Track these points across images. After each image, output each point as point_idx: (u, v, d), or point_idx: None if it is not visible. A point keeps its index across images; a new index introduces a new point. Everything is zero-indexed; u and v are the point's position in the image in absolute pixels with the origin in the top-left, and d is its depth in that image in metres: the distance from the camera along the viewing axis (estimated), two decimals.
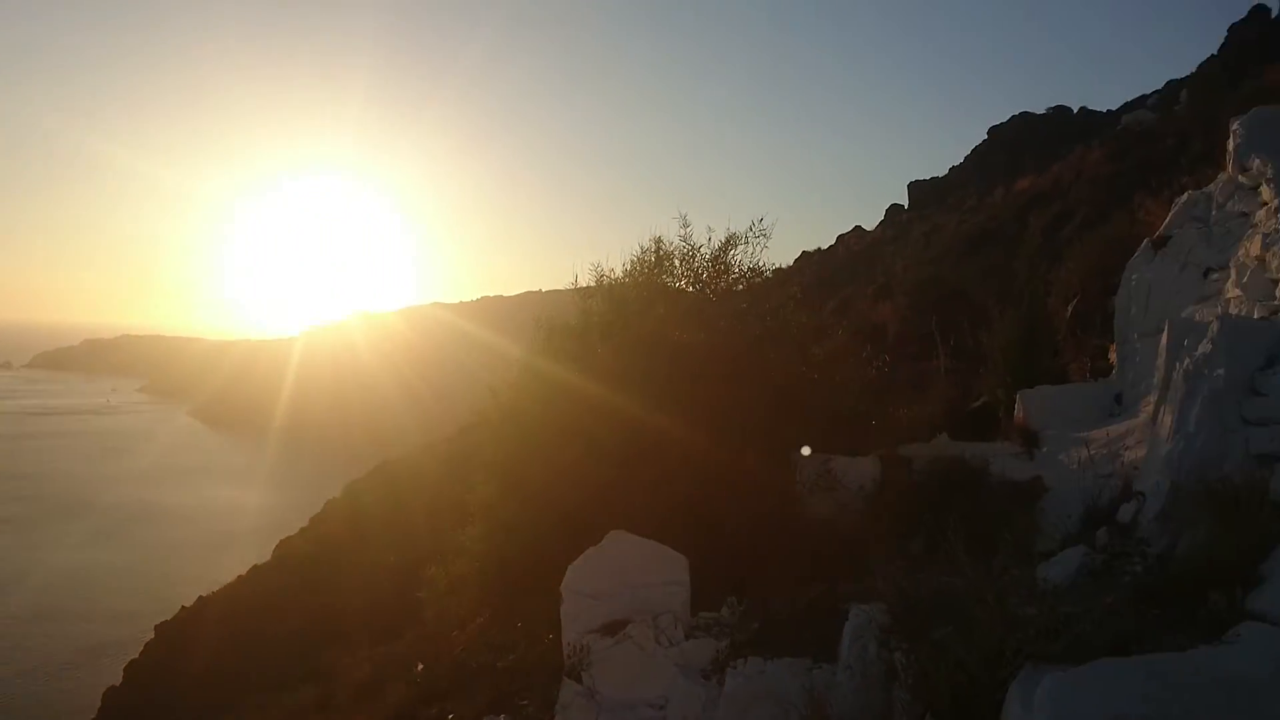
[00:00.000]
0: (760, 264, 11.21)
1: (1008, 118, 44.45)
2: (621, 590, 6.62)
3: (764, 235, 10.94)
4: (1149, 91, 35.42)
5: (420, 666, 10.96)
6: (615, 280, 11.11)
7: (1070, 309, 11.44)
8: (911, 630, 5.21)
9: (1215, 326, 5.90)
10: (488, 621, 10.47)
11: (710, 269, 11.35)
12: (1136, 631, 4.82)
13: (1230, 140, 7.98)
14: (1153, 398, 6.66)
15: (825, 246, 46.62)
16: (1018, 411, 9.74)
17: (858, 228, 48.37)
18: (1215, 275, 7.60)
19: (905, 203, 48.97)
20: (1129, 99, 38.16)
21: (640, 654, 6.38)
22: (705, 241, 11.10)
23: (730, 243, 11.23)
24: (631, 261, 11.21)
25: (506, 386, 10.93)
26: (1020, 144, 40.12)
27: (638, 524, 7.59)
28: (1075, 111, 40.92)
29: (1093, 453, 7.48)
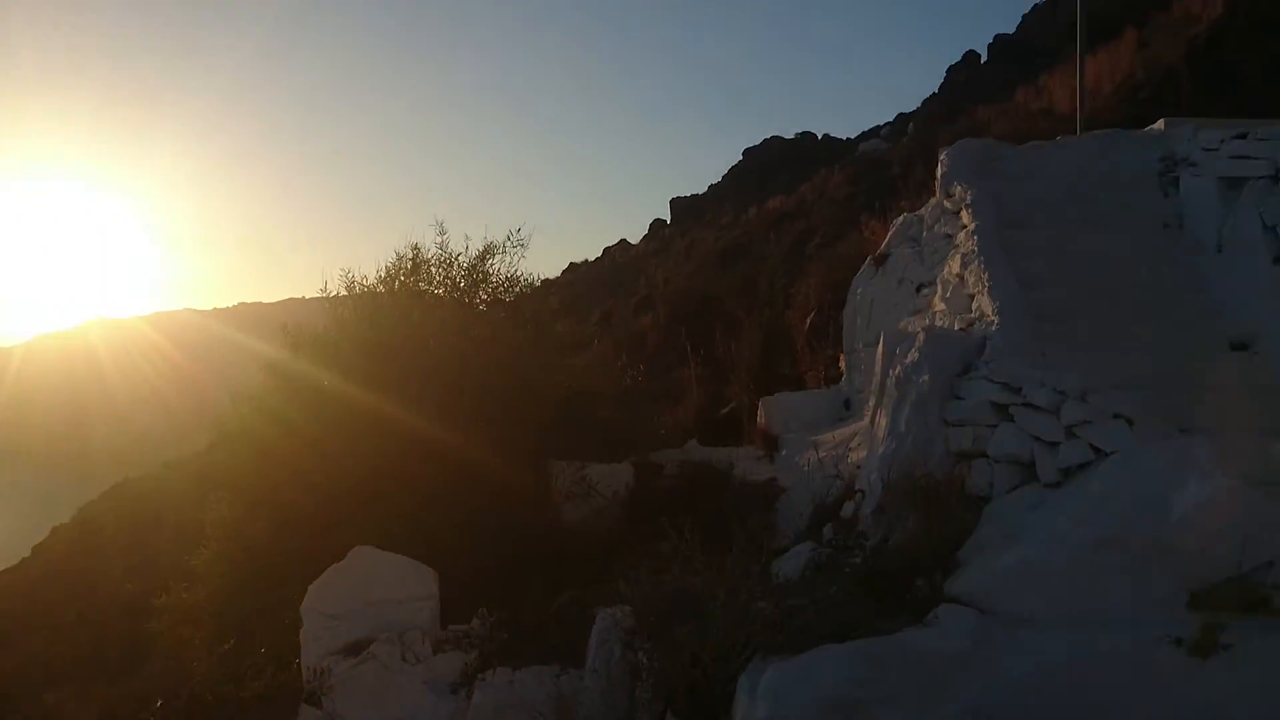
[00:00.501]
0: (519, 274, 11.22)
1: (760, 140, 47.09)
2: (365, 608, 6.38)
3: (521, 245, 10.96)
4: (883, 123, 38.66)
5: (160, 703, 10.09)
6: (368, 287, 10.74)
7: (809, 320, 12.26)
8: (654, 630, 5.35)
9: (920, 337, 6.50)
10: (231, 649, 9.81)
11: (468, 277, 11.22)
12: (854, 619, 5.18)
13: (939, 169, 8.83)
14: (873, 402, 7.23)
15: (593, 259, 47.39)
16: (760, 417, 10.31)
17: (623, 241, 49.53)
18: (926, 290, 8.38)
19: (668, 218, 50.71)
20: (865, 129, 41.48)
21: (385, 673, 6.17)
22: (463, 250, 10.98)
23: (488, 252, 11.16)
24: (387, 269, 10.90)
25: (248, 398, 10.29)
26: (772, 165, 42.61)
27: (387, 538, 7.36)
28: (820, 138, 43.97)
29: (823, 454, 8.03)
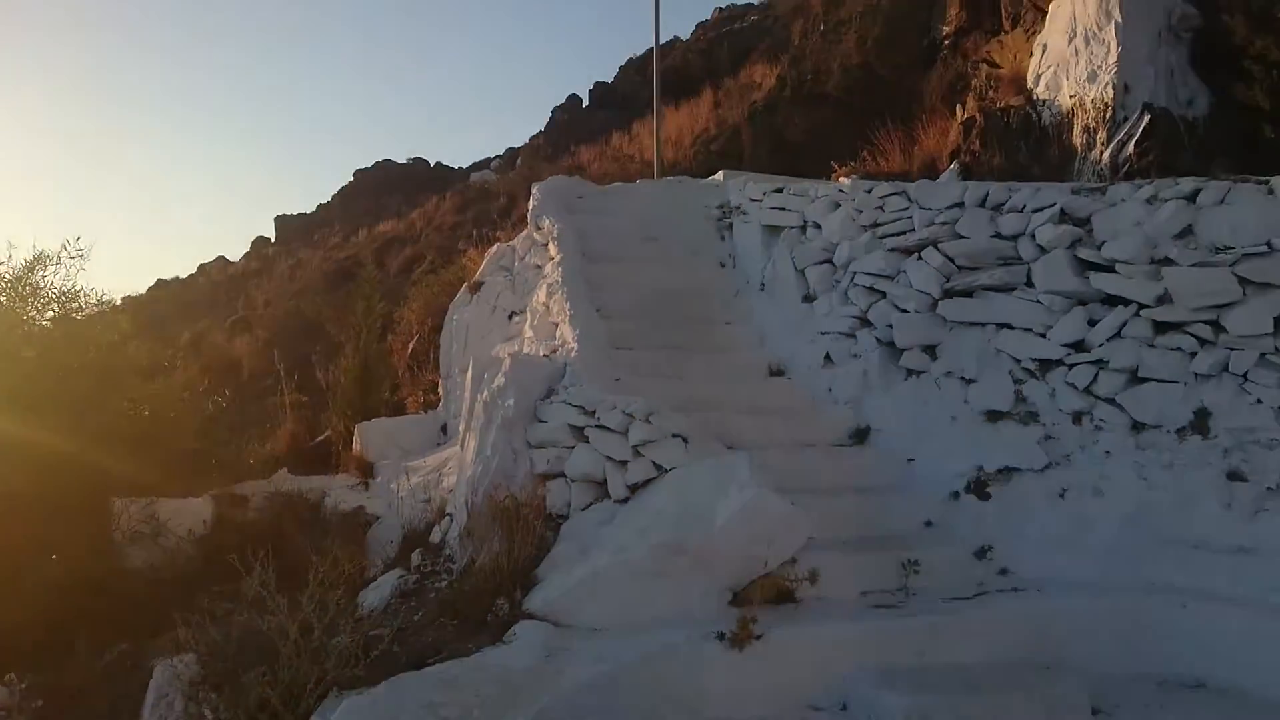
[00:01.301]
0: (78, 288, 9.90)
1: (373, 163, 46.12)
2: None
3: (80, 256, 9.70)
4: (494, 155, 39.62)
5: None
6: None
7: (410, 346, 12.20)
8: (221, 679, 4.96)
9: (507, 363, 6.72)
10: None
11: (12, 292, 9.71)
12: (437, 644, 5.18)
13: (531, 203, 9.24)
14: (463, 427, 7.33)
15: (185, 275, 43.32)
16: (356, 444, 10.04)
17: (221, 258, 45.87)
18: (517, 318, 8.70)
19: (272, 236, 47.84)
20: (478, 159, 42.26)
21: None
22: (5, 259, 9.48)
23: (38, 262, 9.75)
24: None
25: None
26: (383, 188, 41.87)
27: None
28: (433, 165, 44.02)
29: (416, 480, 8.00)
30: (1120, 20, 8.43)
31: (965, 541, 6.14)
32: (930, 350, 7.00)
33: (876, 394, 7.11)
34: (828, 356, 7.55)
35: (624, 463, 6.00)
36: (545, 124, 34.72)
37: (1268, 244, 5.67)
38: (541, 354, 7.35)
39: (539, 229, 8.79)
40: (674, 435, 5.95)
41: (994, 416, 6.58)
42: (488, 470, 6.41)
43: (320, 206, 47.00)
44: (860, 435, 7.06)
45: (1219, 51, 8.45)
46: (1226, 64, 8.37)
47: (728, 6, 32.19)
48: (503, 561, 5.64)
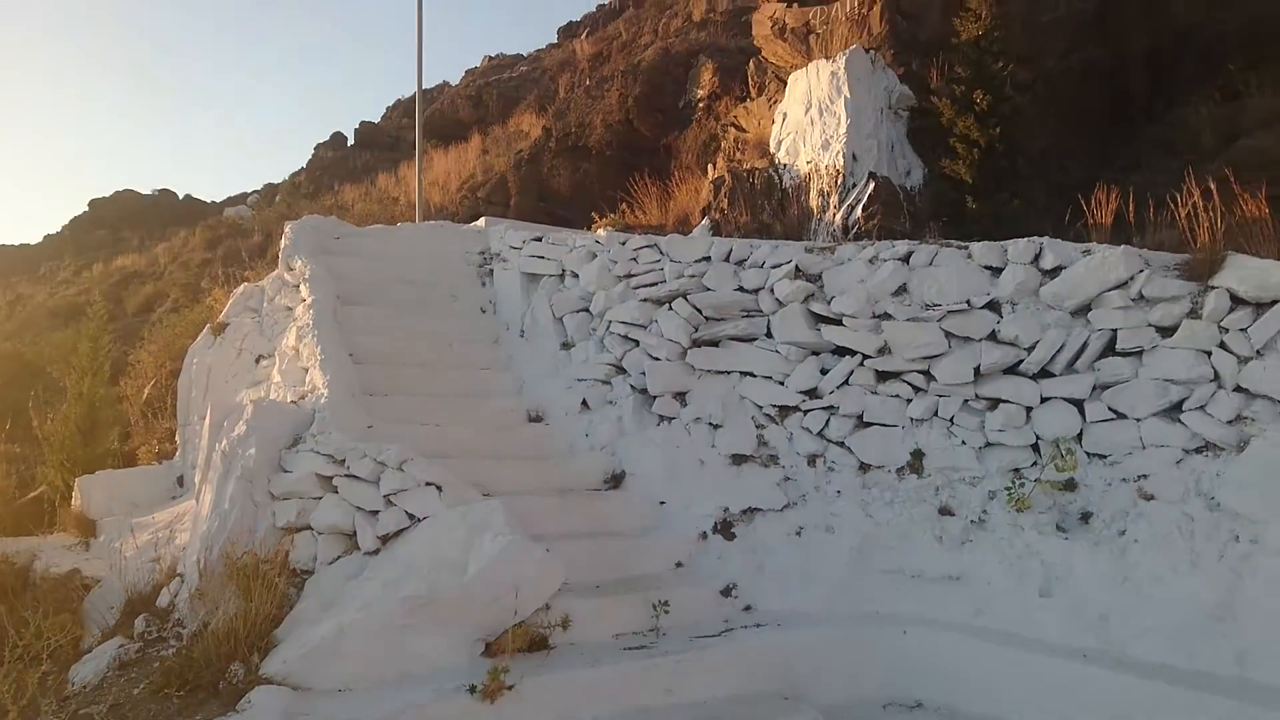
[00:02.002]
0: None
1: (112, 192, 42.57)
2: None
3: None
4: (251, 190, 37.65)
5: None
6: None
7: (146, 391, 11.25)
8: None
9: (249, 409, 6.36)
10: None
11: None
12: (158, 718, 4.77)
13: (283, 242, 8.84)
14: (199, 478, 6.84)
15: None
16: (75, 499, 9.10)
17: None
18: (265, 362, 8.26)
19: None
20: (234, 193, 40.00)
21: None
22: None
23: None
24: None
25: None
26: (124, 221, 38.69)
27: None
28: (181, 197, 41.21)
29: (145, 538, 7.35)
30: (849, 96, 9.28)
31: (713, 581, 6.39)
32: (681, 397, 7.29)
33: (631, 439, 7.31)
34: (585, 403, 7.69)
35: (375, 513, 5.82)
36: (308, 161, 33.47)
37: (967, 302, 6.38)
38: (290, 400, 7.01)
39: (290, 269, 8.42)
40: (428, 483, 5.84)
41: (739, 460, 6.94)
42: (225, 524, 6.00)
43: (48, 238, 42.71)
44: (616, 480, 7.22)
45: (930, 129, 9.49)
46: (937, 141, 9.40)
47: (497, 56, 32.52)
48: (239, 623, 5.28)
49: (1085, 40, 11.03)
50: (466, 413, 7.45)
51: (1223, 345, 5.57)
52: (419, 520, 5.75)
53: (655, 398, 7.36)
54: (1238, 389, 5.50)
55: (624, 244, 7.94)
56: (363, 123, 33.75)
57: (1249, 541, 5.14)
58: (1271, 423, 5.38)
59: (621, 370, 7.63)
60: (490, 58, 32.50)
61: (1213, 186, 6.90)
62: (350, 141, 33.62)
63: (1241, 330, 5.51)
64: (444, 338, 8.20)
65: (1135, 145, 10.43)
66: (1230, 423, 5.47)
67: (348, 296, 8.12)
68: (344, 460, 5.98)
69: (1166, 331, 5.77)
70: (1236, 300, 5.63)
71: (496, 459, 6.94)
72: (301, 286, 8.02)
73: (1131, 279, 5.91)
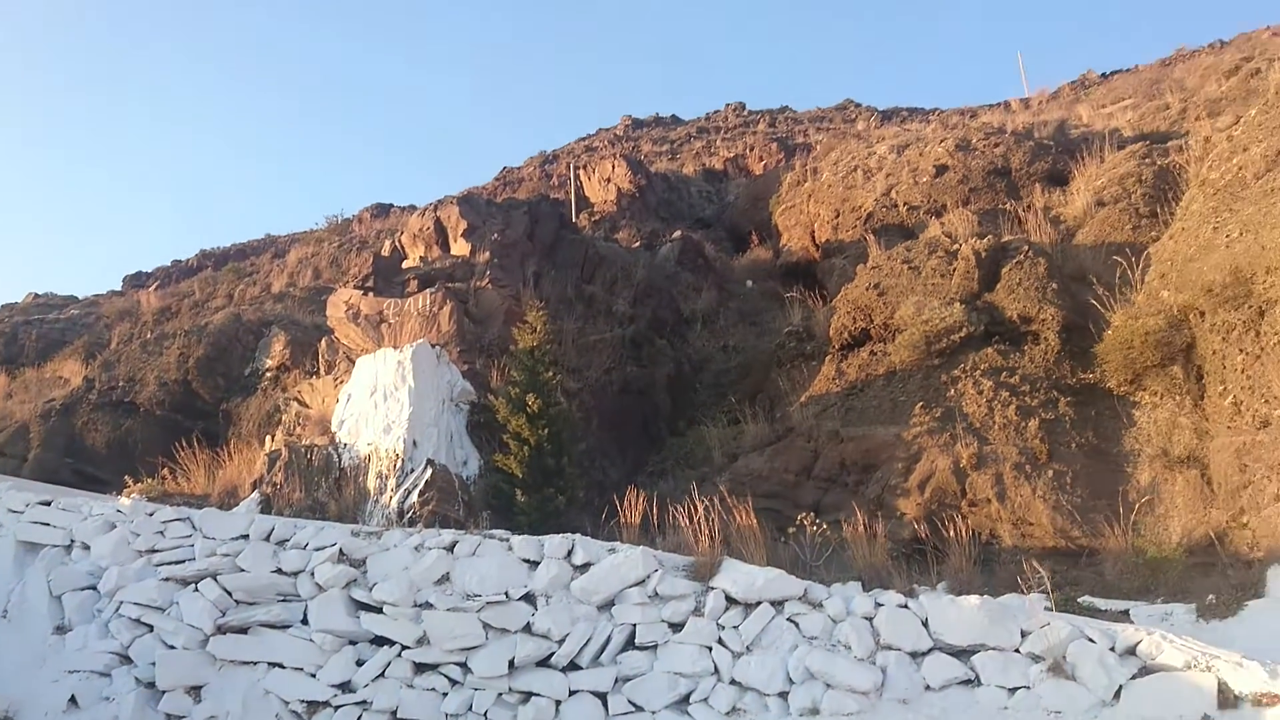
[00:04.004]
0: None
1: None
2: None
3: None
4: None
5: None
6: None
7: None
8: None
9: None
10: None
11: None
12: None
13: None
14: None
15: None
16: None
17: None
18: None
19: None
20: None
21: None
22: None
23: None
24: None
25: None
26: None
27: None
28: None
29: None
30: (413, 385, 9.65)
31: None
32: (196, 692, 6.53)
33: None
34: (74, 699, 6.57)
35: None
36: None
37: (506, 593, 6.60)
38: None
39: None
40: None
41: None
42: None
43: None
44: None
45: (489, 424, 10.08)
46: (494, 435, 9.98)
47: (46, 294, 29.55)
48: None
49: (625, 360, 12.69)
50: None
51: (720, 641, 6.26)
52: None
53: (165, 692, 6.51)
54: (733, 682, 6.15)
55: (151, 515, 7.26)
56: None
57: None
58: (759, 714, 6.03)
59: (127, 660, 6.70)
60: (37, 295, 29.38)
61: (720, 497, 8.03)
62: None
63: (734, 628, 6.26)
64: None
65: (663, 454, 11.89)
66: (728, 714, 6.05)
67: None
68: None
69: (677, 627, 6.38)
70: (731, 600, 6.42)
71: None
72: None
73: (649, 577, 6.53)
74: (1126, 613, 6.79)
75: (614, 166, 22.02)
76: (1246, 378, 7.65)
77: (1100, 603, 7.02)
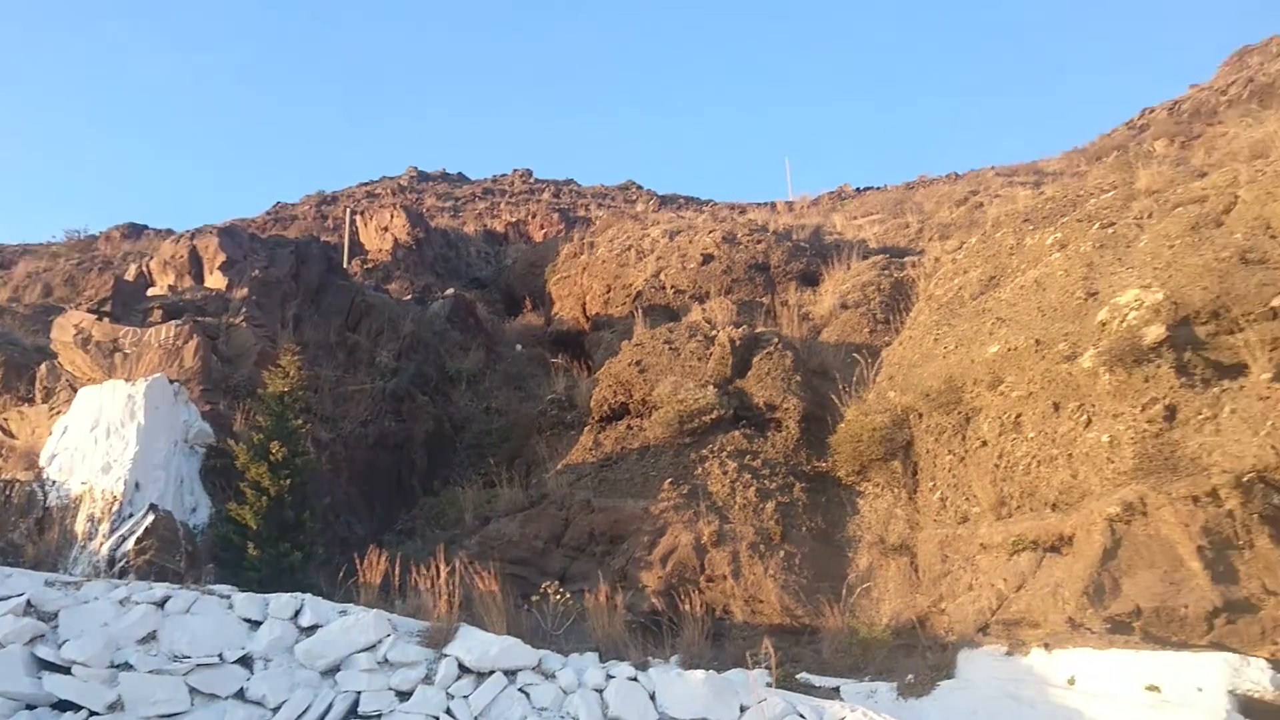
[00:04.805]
0: None
1: None
2: None
3: None
4: None
5: None
6: None
7: None
8: None
9: None
10: None
11: None
12: None
13: None
14: None
15: None
16: None
17: None
18: None
19: None
20: None
21: None
22: None
23: None
24: None
25: None
26: None
27: None
28: None
29: None
30: (143, 422, 8.89)
31: None
32: None
33: None
34: None
35: None
36: None
37: (220, 655, 6.14)
38: None
39: None
40: None
41: None
42: None
43: None
44: None
45: (226, 470, 9.43)
46: (230, 483, 9.33)
47: None
48: None
49: (384, 414, 12.33)
50: None
51: (449, 711, 6.10)
52: None
53: None
54: None
55: None
56: None
57: None
58: None
59: None
60: None
61: (463, 562, 7.90)
62: None
63: (465, 698, 6.13)
64: None
65: (414, 513, 11.57)
66: None
67: None
68: None
69: (405, 696, 6.16)
70: (464, 669, 6.29)
71: None
72: None
73: (380, 642, 6.29)
74: (838, 689, 7.26)
75: (393, 216, 21.62)
76: (953, 476, 8.50)
77: (816, 679, 7.46)
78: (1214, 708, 6.01)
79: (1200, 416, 6.99)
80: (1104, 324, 7.71)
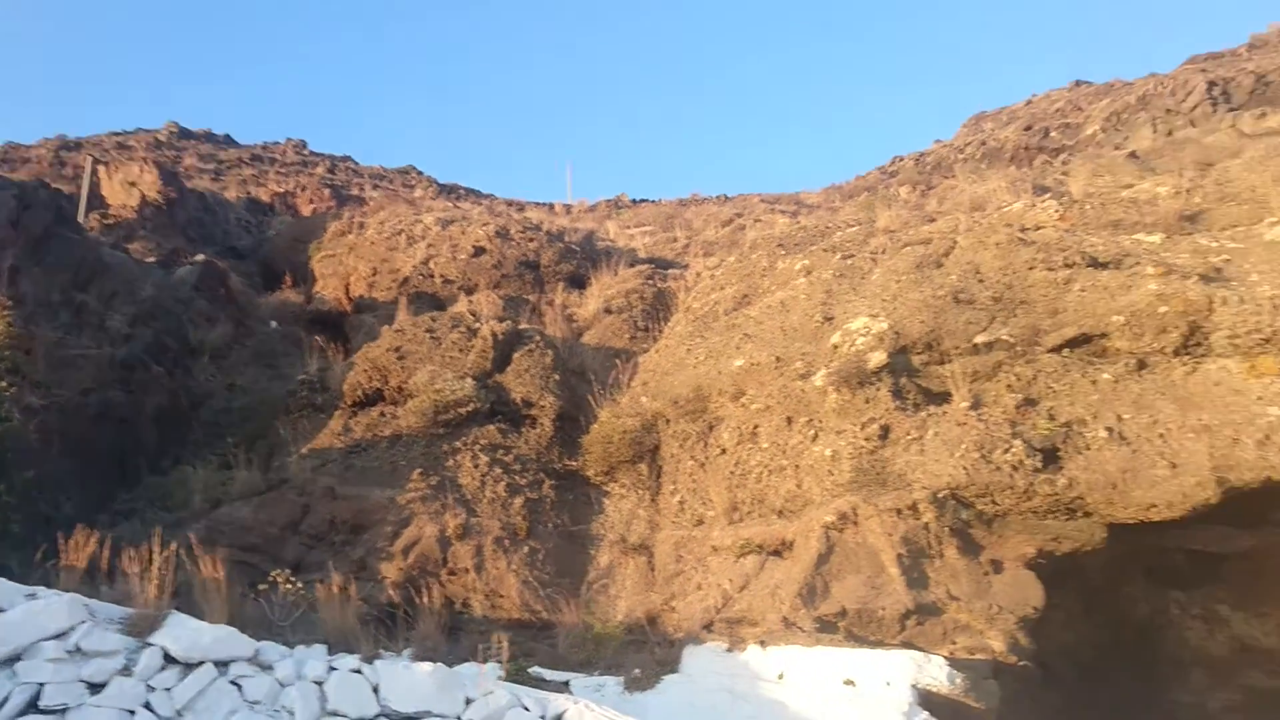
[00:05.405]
0: None
1: None
2: None
3: None
4: None
5: None
6: None
7: None
8: None
9: None
10: None
11: None
12: None
13: None
14: None
15: None
16: None
17: None
18: None
19: None
20: None
21: None
22: None
23: None
24: None
25: None
26: None
27: None
28: None
29: None
30: None
31: None
32: None
33: None
34: None
35: None
36: None
37: None
38: None
39: None
40: None
41: None
42: None
43: None
44: None
45: None
46: None
47: None
48: None
49: (111, 383, 11.31)
50: None
51: (148, 705, 5.70)
52: None
53: None
54: None
55: None
56: None
57: None
58: None
59: None
60: None
61: (186, 547, 7.39)
62: None
63: (167, 690, 5.74)
64: None
65: (136, 494, 10.69)
66: None
67: None
68: None
69: (97, 688, 5.69)
70: (170, 659, 5.89)
71: None
72: None
73: (72, 629, 5.78)
74: (568, 683, 7.40)
75: (142, 170, 19.91)
76: (693, 481, 8.91)
77: (549, 673, 7.57)
78: (899, 701, 6.65)
79: (909, 437, 7.72)
80: (836, 346, 8.35)
